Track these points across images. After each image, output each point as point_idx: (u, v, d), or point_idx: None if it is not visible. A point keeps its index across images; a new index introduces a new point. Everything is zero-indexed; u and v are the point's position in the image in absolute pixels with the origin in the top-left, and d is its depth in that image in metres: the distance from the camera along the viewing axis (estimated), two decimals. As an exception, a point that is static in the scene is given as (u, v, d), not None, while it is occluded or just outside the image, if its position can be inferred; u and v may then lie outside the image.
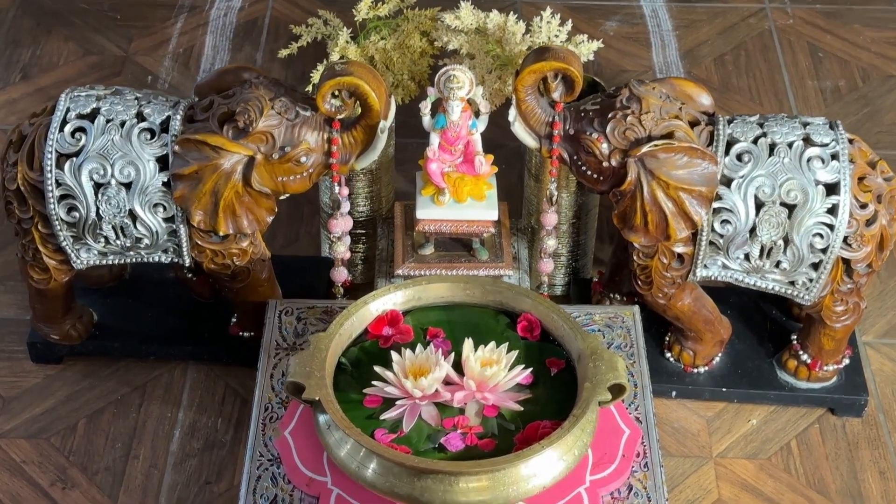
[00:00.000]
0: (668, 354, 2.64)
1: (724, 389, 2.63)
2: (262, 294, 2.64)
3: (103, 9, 3.81)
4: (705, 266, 2.59)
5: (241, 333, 2.66)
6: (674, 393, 2.62)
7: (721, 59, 3.67)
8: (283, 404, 2.42)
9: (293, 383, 2.22)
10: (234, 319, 2.78)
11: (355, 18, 2.64)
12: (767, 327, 2.74)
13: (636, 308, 2.60)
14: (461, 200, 2.63)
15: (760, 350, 2.68)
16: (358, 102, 2.46)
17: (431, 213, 2.62)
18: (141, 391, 2.68)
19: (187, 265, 2.61)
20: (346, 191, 2.64)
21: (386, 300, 2.38)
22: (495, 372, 2.24)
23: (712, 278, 2.61)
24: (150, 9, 3.82)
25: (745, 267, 2.56)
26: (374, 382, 2.25)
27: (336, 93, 2.38)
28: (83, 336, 2.68)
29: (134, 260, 2.60)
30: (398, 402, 2.24)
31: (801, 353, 2.59)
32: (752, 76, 3.61)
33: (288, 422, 2.36)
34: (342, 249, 2.64)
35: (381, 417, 2.23)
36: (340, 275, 2.69)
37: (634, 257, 2.58)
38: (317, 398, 2.18)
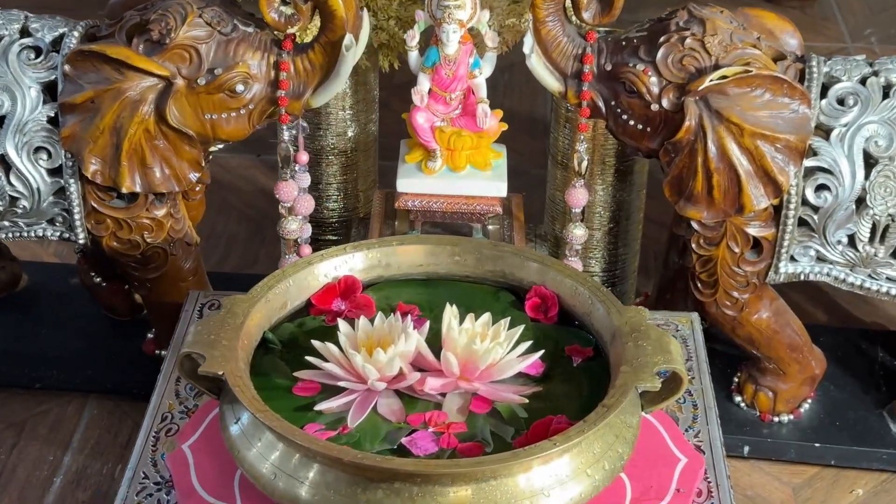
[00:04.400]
0: (739, 398, 1.99)
1: (816, 445, 2.04)
2: (184, 293, 1.95)
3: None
4: (792, 258, 1.87)
5: (157, 352, 1.93)
6: (746, 449, 1.99)
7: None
8: (188, 413, 1.68)
9: (188, 357, 1.48)
10: (149, 334, 2.05)
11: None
12: (876, 369, 1.99)
13: (695, 315, 1.86)
14: (458, 168, 1.93)
15: (865, 398, 2.12)
16: (317, 12, 1.78)
17: (417, 184, 1.94)
18: (17, 429, 2.09)
19: (81, 242, 1.90)
20: (304, 156, 1.93)
21: (339, 263, 1.67)
22: (489, 349, 1.50)
23: (802, 277, 1.87)
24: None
25: (850, 257, 1.84)
26: (308, 359, 1.51)
27: (287, -4, 1.78)
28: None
29: (9, 236, 1.90)
30: (343, 389, 1.49)
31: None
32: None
33: (190, 433, 1.63)
34: (293, 228, 1.92)
35: (317, 408, 1.48)
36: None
37: (693, 246, 1.86)
38: (220, 373, 1.44)
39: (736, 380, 2.09)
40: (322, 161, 2.18)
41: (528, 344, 1.56)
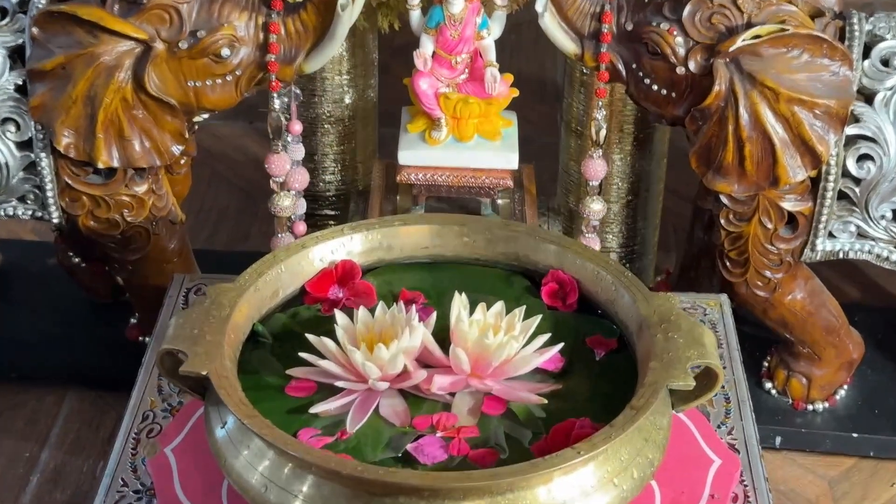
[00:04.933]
0: (769, 385, 1.81)
1: (853, 436, 1.90)
2: (169, 276, 1.79)
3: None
4: (831, 234, 1.71)
5: (141, 338, 1.77)
6: (779, 440, 1.86)
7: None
8: (171, 412, 1.52)
9: (169, 353, 1.32)
10: (132, 319, 1.89)
11: None
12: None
13: (724, 297, 1.71)
14: (465, 139, 1.77)
15: (906, 383, 1.85)
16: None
17: (421, 156, 1.77)
18: (-8, 422, 1.83)
19: (55, 222, 1.74)
20: (298, 125, 1.77)
21: (336, 246, 1.52)
22: (503, 343, 1.34)
23: (842, 255, 1.71)
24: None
25: (894, 234, 1.66)
26: (303, 355, 1.35)
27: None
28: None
29: (-21, 215, 1.76)
30: (341, 389, 1.33)
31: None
32: None
33: (173, 435, 1.47)
34: (286, 204, 1.76)
35: (312, 410, 1.32)
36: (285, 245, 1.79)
37: (722, 222, 1.71)
38: (204, 373, 1.28)
39: (766, 364, 1.94)
40: (317, 130, 2.03)
41: (545, 337, 1.41)
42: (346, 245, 1.54)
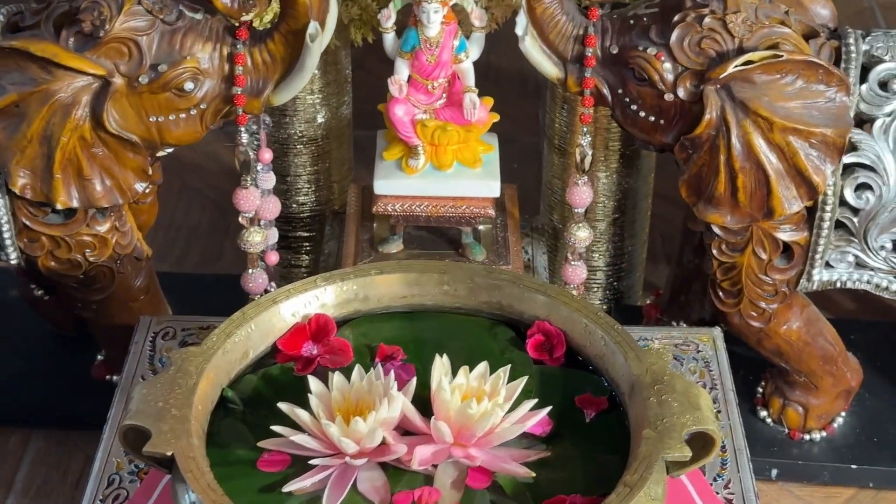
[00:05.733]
0: (764, 413, 1.70)
1: (852, 467, 1.83)
2: (136, 314, 1.70)
3: None
4: (828, 264, 1.63)
5: (108, 377, 1.69)
6: (774, 472, 1.80)
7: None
8: (139, 475, 1.44)
9: (133, 428, 1.24)
10: (99, 357, 1.81)
11: None
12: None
13: (717, 331, 1.63)
14: (444, 167, 1.69)
15: (907, 409, 1.82)
16: (276, -5, 1.54)
17: (397, 186, 1.69)
18: (-49, 468, 1.75)
19: (13, 263, 1.65)
20: (268, 154, 1.68)
21: (308, 299, 1.43)
22: (487, 410, 1.27)
23: (839, 284, 1.64)
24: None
25: (895, 264, 1.59)
26: (274, 428, 1.27)
27: (241, -22, 1.51)
28: None
29: (-67, 256, 1.66)
30: (317, 464, 1.25)
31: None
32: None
33: (142, 502, 1.38)
34: (257, 240, 1.67)
35: (286, 489, 1.24)
36: (256, 283, 1.72)
37: (714, 252, 1.63)
38: (169, 454, 1.20)
39: (760, 391, 1.87)
40: (289, 151, 1.94)
41: (532, 402, 1.33)
42: (320, 297, 1.46)
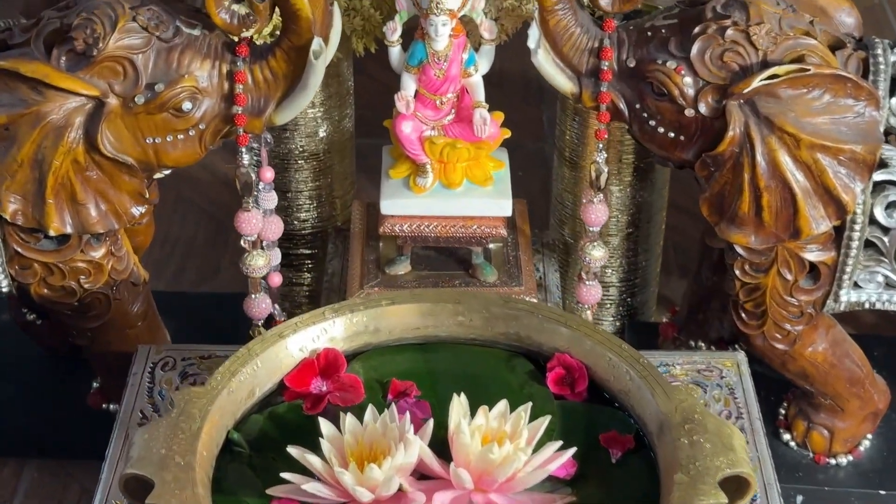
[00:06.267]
0: (788, 437, 1.62)
1: (881, 493, 1.76)
2: (133, 342, 1.63)
3: None
4: (856, 285, 1.56)
5: (105, 405, 1.62)
6: (800, 499, 1.79)
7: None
8: (140, 518, 1.36)
9: (134, 478, 1.17)
10: (95, 384, 1.73)
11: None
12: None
13: (741, 355, 1.56)
14: (453, 185, 1.62)
15: (938, 431, 1.79)
16: (277, 9, 1.44)
17: (405, 205, 1.63)
18: (-58, 500, 1.70)
19: (4, 290, 1.58)
20: (269, 172, 1.61)
21: (316, 333, 1.36)
22: (509, 455, 1.20)
23: (867, 305, 1.57)
24: None
25: (926, 284, 1.53)
26: (285, 476, 1.20)
27: (241, -7, 1.47)
28: None
29: (-82, 283, 1.59)
30: (329, 512, 1.19)
31: None
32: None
33: (143, 551, 1.30)
34: (261, 264, 1.60)
35: (297, 541, 1.18)
36: (260, 307, 1.64)
37: (737, 273, 1.56)
38: (173, 505, 1.13)
39: (783, 412, 1.80)
40: (290, 167, 1.87)
41: (556, 445, 1.26)
42: (328, 330, 1.39)
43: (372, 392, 1.36)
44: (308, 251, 1.94)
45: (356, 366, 1.40)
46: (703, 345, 1.84)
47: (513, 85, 2.57)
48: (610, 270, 1.92)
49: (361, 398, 1.35)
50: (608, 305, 1.95)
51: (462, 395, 1.28)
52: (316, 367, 1.37)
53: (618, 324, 1.97)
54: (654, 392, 1.29)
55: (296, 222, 1.92)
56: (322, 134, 1.87)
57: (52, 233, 1.55)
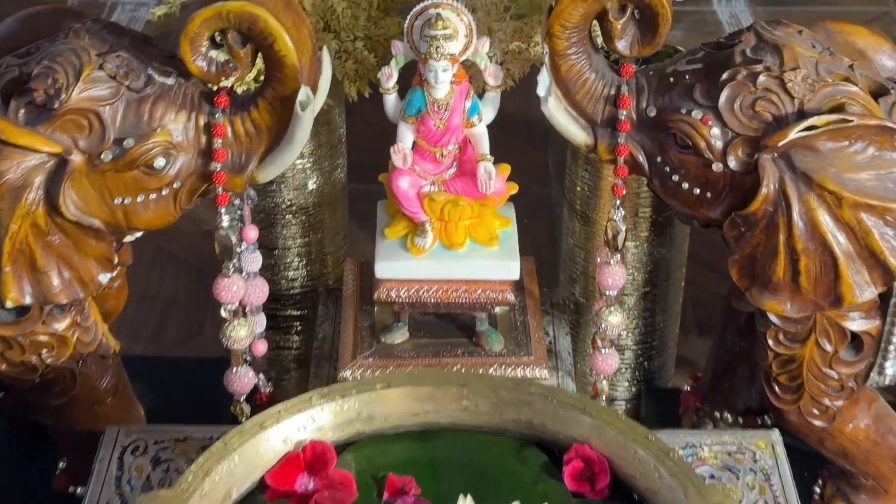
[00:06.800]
0: None
1: None
2: (102, 419, 1.50)
3: None
4: (902, 357, 1.41)
5: (72, 489, 1.47)
6: None
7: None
8: None
9: None
10: (61, 464, 1.58)
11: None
12: None
13: (776, 434, 1.41)
14: (455, 246, 1.47)
15: None
16: (260, 55, 1.29)
17: (402, 268, 1.49)
18: None
19: (-41, 365, 1.43)
20: (253, 231, 1.46)
21: (302, 422, 1.21)
22: (523, 569, 1.04)
23: (915, 378, 1.42)
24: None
25: (980, 356, 1.38)
26: None
27: (219, 37, 1.35)
28: None
29: None
30: None
31: None
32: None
33: None
34: (242, 335, 1.45)
35: None
36: (242, 382, 1.49)
37: (770, 342, 1.42)
38: None
39: (818, 490, 1.64)
40: (277, 222, 1.73)
41: (577, 556, 1.10)
42: (316, 419, 1.24)
43: (365, 490, 1.21)
44: (297, 312, 1.80)
45: (347, 458, 1.25)
46: (729, 416, 1.68)
47: (517, 127, 2.43)
48: (625, 332, 1.77)
49: (353, 497, 1.21)
50: (623, 370, 1.80)
51: (469, 497, 1.12)
52: (302, 461, 1.23)
53: (633, 389, 1.82)
54: (687, 492, 1.14)
55: (283, 282, 1.77)
56: (312, 186, 1.72)
57: (9, 304, 1.39)
